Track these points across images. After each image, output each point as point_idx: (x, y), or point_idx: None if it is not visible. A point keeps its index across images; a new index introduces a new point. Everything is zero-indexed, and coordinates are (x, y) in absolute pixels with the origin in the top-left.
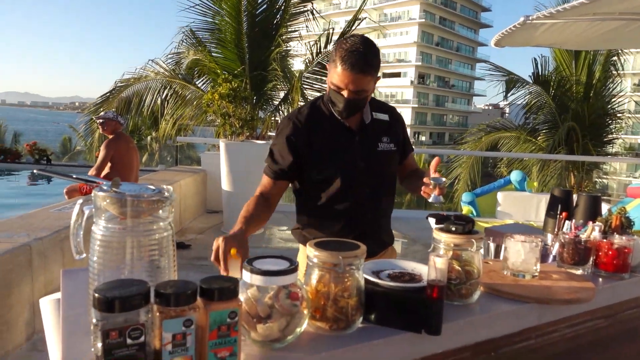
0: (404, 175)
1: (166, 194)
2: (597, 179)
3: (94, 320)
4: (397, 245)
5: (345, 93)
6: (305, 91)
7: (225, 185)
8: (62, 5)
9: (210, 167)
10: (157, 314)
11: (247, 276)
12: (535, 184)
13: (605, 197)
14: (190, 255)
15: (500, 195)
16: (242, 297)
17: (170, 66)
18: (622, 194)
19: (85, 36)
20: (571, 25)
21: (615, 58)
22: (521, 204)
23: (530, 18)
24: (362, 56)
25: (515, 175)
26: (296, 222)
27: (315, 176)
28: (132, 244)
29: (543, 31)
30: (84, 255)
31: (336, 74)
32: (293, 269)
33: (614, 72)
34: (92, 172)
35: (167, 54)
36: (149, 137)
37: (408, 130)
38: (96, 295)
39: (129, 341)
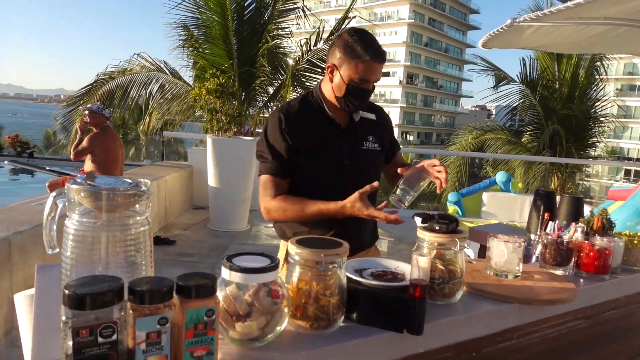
0: (392, 175)
1: (143, 187)
2: (579, 182)
3: (64, 318)
4: (383, 244)
5: (368, 86)
6: (296, 88)
7: (212, 181)
8: None
9: (197, 163)
10: (131, 311)
11: (226, 273)
12: (520, 184)
13: (587, 200)
14: (175, 251)
15: (485, 196)
16: (220, 294)
17: (158, 60)
18: (604, 197)
19: (71, 28)
20: (557, 28)
21: (598, 63)
22: (506, 204)
23: (517, 20)
24: (379, 45)
25: (500, 176)
26: None
27: (300, 170)
28: (107, 238)
29: (529, 34)
30: (57, 249)
31: (360, 67)
32: (274, 266)
33: (597, 76)
34: (70, 151)
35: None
36: (137, 130)
37: (396, 129)
38: (66, 291)
39: (100, 339)
